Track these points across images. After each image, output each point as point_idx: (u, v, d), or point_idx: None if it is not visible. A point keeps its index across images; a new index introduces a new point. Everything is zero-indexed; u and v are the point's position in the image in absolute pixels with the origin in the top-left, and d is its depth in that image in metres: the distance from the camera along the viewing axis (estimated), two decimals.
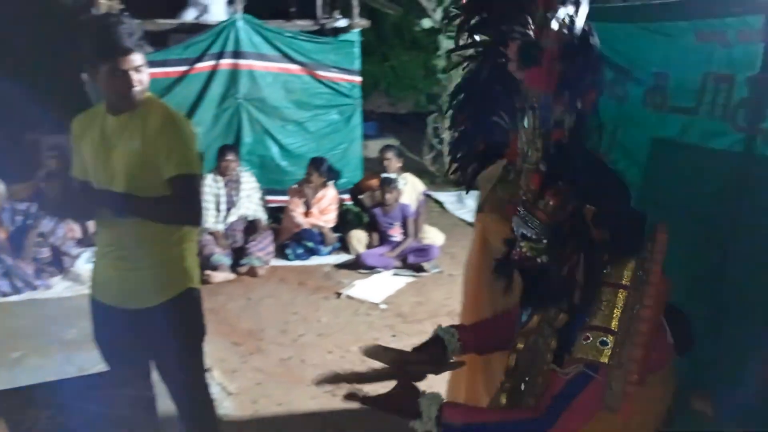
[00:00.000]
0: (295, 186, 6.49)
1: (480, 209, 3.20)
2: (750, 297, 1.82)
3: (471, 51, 1.58)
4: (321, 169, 6.35)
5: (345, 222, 6.64)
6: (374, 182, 6.49)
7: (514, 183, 1.48)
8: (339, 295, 5.33)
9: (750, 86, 1.83)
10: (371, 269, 5.86)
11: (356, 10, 7.16)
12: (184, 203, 2.37)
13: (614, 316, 1.32)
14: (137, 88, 2.30)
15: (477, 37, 1.58)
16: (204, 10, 7.30)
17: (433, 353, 1.67)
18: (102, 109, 2.43)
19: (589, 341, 1.33)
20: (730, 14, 1.91)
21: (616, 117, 2.31)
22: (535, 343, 1.49)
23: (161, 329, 2.46)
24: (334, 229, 6.45)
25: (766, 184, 1.73)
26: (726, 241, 1.87)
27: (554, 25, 1.34)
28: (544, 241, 1.39)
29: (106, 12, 2.37)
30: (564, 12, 1.34)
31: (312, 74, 6.86)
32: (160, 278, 2.44)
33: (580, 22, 1.34)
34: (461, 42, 1.60)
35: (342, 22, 7.13)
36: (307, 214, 6.39)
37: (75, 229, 6.34)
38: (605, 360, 1.30)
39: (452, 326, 1.73)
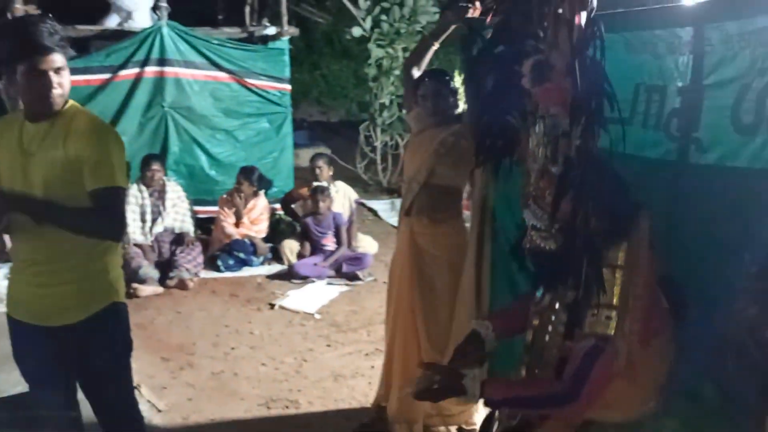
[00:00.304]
0: (225, 196, 6.37)
1: (407, 213, 3.22)
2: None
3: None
4: (251, 178, 6.26)
5: (277, 232, 6.57)
6: (305, 191, 6.45)
7: (526, 178, 1.67)
8: (272, 306, 5.25)
9: (681, 96, 1.87)
10: (305, 279, 5.80)
11: (285, 18, 7.12)
12: (105, 217, 2.26)
13: (614, 293, 1.52)
14: (57, 91, 2.19)
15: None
16: (127, 16, 7.11)
17: (474, 347, 1.86)
18: (20, 116, 2.32)
19: (595, 317, 1.53)
20: (659, 26, 1.95)
21: None
22: (549, 319, 1.68)
23: (85, 346, 2.36)
24: (266, 239, 6.37)
25: (699, 192, 1.77)
26: (662, 248, 1.94)
27: (563, 45, 1.47)
28: (551, 230, 1.58)
29: (26, 14, 2.27)
30: (572, 32, 1.47)
31: (241, 82, 6.77)
32: (83, 293, 2.33)
33: (588, 42, 1.48)
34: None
35: (271, 30, 7.06)
36: (237, 224, 6.29)
37: None
38: (612, 332, 1.51)
39: (485, 318, 1.94)
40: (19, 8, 5.87)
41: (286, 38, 7.02)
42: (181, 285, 5.59)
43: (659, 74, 1.97)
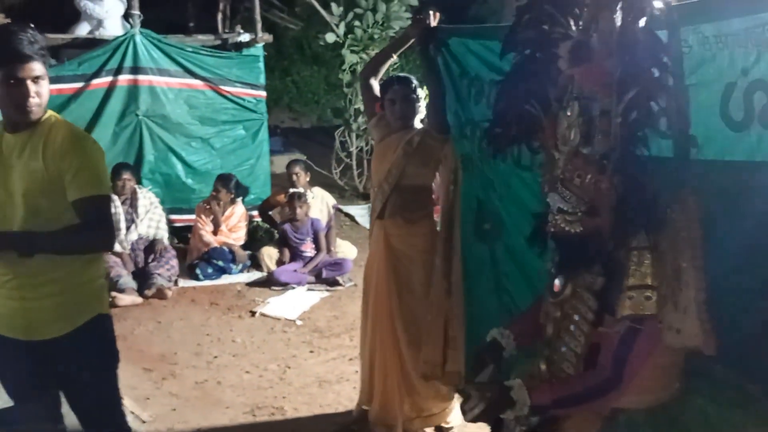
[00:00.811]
0: (202, 204, 6.32)
1: (380, 216, 3.26)
2: None
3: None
4: (229, 185, 6.23)
5: (255, 239, 6.54)
6: (283, 198, 6.44)
7: (549, 163, 1.68)
8: (253, 313, 5.23)
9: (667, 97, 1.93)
10: (285, 286, 5.78)
11: (259, 25, 7.10)
12: (93, 229, 2.23)
13: (649, 273, 1.53)
14: (35, 100, 2.16)
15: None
16: (98, 24, 7.04)
17: (494, 357, 1.90)
18: None
19: (633, 299, 1.53)
20: None
21: None
22: (573, 308, 1.67)
23: (71, 359, 2.32)
24: (244, 246, 6.34)
25: (703, 185, 1.81)
26: None
27: (605, 25, 1.52)
28: (579, 213, 1.58)
29: (5, 23, 2.26)
30: (615, 15, 1.52)
31: (216, 89, 6.74)
32: (67, 306, 2.29)
33: (638, 16, 1.51)
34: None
35: (245, 37, 7.04)
36: (215, 232, 6.24)
37: None
38: (652, 312, 1.52)
39: (504, 328, 1.93)
40: None
41: (260, 45, 7.01)
42: (160, 294, 5.53)
43: None
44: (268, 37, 7.21)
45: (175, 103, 6.58)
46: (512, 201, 2.71)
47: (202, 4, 9.76)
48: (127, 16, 6.83)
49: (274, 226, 6.53)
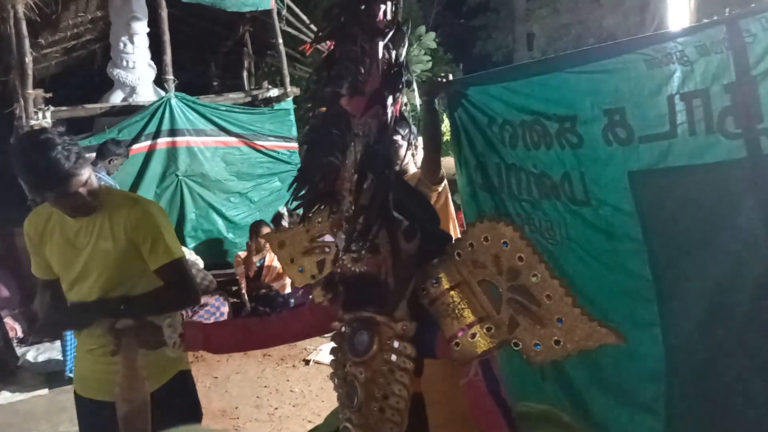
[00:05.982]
0: (241, 255, 6.39)
1: None
2: None
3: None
4: (260, 232, 6.27)
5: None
6: None
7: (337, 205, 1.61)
8: (308, 362, 5.25)
9: (732, 93, 1.83)
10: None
11: (288, 80, 7.29)
12: (178, 290, 2.33)
13: (485, 307, 1.45)
14: (89, 199, 2.20)
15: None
16: (131, 91, 7.27)
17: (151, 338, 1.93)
18: (54, 209, 2.31)
19: (476, 337, 1.44)
20: (685, 35, 1.94)
21: (577, 163, 2.31)
22: (386, 363, 1.53)
23: (157, 417, 2.35)
24: (289, 294, 6.37)
25: None
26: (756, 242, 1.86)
27: (375, 60, 1.48)
28: (362, 251, 1.49)
29: (34, 137, 2.24)
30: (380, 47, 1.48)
31: (250, 144, 6.91)
32: (152, 365, 2.33)
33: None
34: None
35: (274, 92, 7.23)
36: (260, 278, 6.29)
37: (16, 329, 6.04)
38: (496, 342, 1.44)
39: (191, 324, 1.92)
40: (31, 92, 5.99)
41: (290, 98, 7.18)
42: None
43: (694, 79, 1.93)
44: (296, 91, 7.38)
45: (213, 161, 6.76)
46: (575, 241, 2.46)
47: (224, 65, 10.05)
48: (157, 81, 7.05)
49: None
